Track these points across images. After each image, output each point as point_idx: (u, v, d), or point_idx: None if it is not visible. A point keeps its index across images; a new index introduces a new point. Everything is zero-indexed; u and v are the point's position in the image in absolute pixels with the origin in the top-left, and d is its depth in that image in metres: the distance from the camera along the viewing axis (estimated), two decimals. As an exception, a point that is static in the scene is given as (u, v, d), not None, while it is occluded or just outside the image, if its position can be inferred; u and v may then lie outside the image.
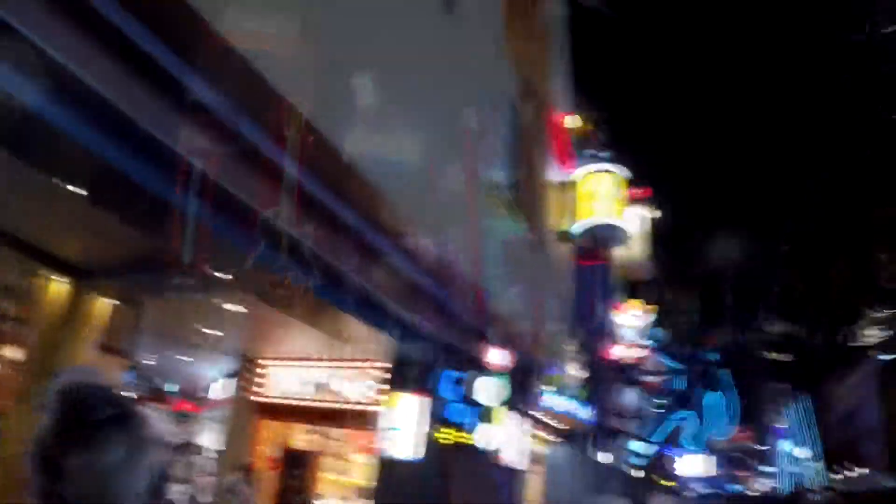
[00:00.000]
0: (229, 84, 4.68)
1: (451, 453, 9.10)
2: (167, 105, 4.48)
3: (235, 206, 5.34)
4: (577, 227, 11.72)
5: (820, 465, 59.00)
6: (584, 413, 17.14)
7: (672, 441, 40.50)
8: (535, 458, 18.97)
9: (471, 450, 9.31)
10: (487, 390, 9.40)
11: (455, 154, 7.80)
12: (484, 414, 9.42)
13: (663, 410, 31.92)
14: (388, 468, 9.24)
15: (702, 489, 48.70)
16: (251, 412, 13.57)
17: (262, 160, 5.25)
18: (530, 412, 12.81)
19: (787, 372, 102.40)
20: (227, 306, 10.15)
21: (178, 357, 16.04)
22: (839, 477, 46.79)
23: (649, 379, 35.58)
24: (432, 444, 9.00)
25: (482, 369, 9.51)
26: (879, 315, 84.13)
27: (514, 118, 12.51)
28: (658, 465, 41.40)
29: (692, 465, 58.05)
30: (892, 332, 73.07)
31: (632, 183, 22.20)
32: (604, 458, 21.25)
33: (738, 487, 69.31)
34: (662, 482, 44.41)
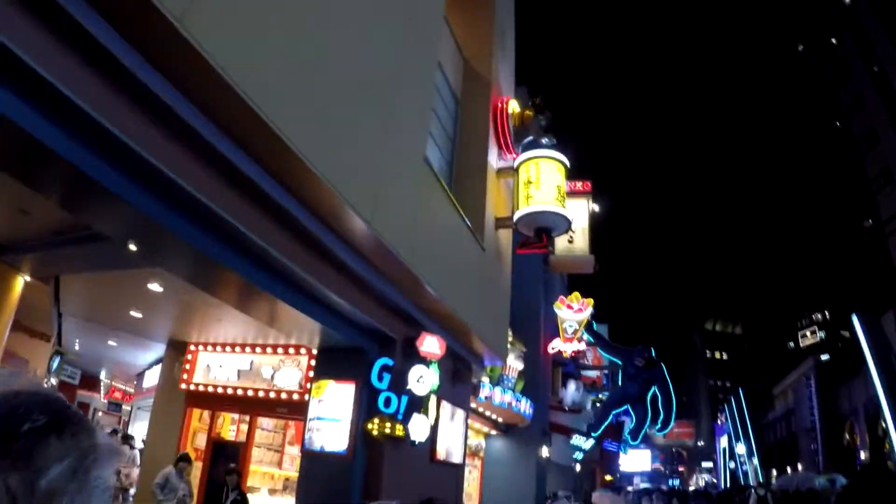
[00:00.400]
0: (148, 46, 4.27)
1: (382, 445, 8.72)
2: (89, 72, 4.11)
3: (159, 181, 4.95)
4: (517, 215, 11.39)
5: (756, 461, 60.11)
6: (524, 406, 16.95)
7: (613, 436, 40.81)
8: (474, 452, 18.78)
9: (403, 442, 8.92)
10: (421, 379, 9.03)
11: (391, 134, 7.44)
12: (417, 404, 9.04)
13: (603, 405, 31.97)
14: (315, 460, 8.84)
15: (643, 483, 49.27)
16: (180, 400, 13.10)
17: (186, 131, 4.85)
18: (467, 403, 12.50)
19: (727, 370, 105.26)
20: (152, 286, 9.72)
21: (104, 341, 15.51)
22: (774, 474, 47.60)
23: (589, 374, 35.80)
24: (361, 436, 8.62)
25: (416, 358, 9.15)
26: (816, 317, 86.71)
27: (454, 100, 12.21)
28: (601, 460, 41.75)
29: (634, 460, 59.16)
30: (825, 334, 75.01)
31: (572, 176, 22.25)
32: (545, 452, 21.10)
33: (676, 482, 70.65)
34: (606, 477, 44.85)
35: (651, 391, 30.78)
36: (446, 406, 10.82)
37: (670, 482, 68.24)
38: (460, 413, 11.68)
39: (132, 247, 6.29)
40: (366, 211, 6.61)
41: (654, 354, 31.67)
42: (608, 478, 45.56)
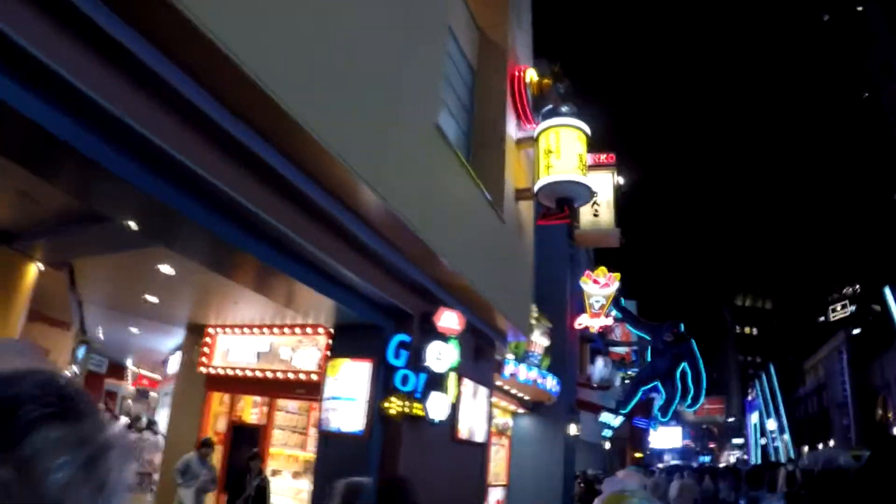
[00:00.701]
0: (153, 28, 4.11)
1: (399, 424, 8.46)
2: (93, 57, 3.97)
3: (169, 164, 4.78)
4: (537, 185, 11.04)
5: (787, 437, 59.52)
6: (550, 383, 16.65)
7: (643, 413, 40.45)
8: (501, 431, 18.53)
9: (421, 421, 8.66)
10: (439, 356, 8.74)
11: (400, 102, 7.13)
12: (435, 381, 8.76)
13: (632, 382, 31.56)
14: (331, 441, 8.61)
15: (673, 460, 48.93)
16: (200, 384, 12.96)
17: (194, 113, 4.68)
18: (490, 381, 12.22)
19: (757, 345, 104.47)
20: (164, 269, 9.53)
21: (126, 328, 15.44)
22: (805, 450, 47.06)
23: (617, 350, 35.39)
24: (378, 415, 8.36)
25: (434, 334, 8.86)
26: (847, 291, 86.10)
27: (469, 71, 11.86)
28: (631, 437, 41.42)
29: (664, 437, 58.85)
30: (856, 308, 74.40)
31: (596, 148, 21.90)
32: (573, 430, 20.80)
33: (707, 459, 70.30)
34: (636, 454, 44.57)
35: (681, 367, 30.28)
36: (468, 384, 10.54)
37: (701, 459, 67.91)
38: (483, 391, 11.40)
39: (132, 225, 6.05)
40: (374, 180, 6.32)
41: (683, 330, 31.14)
42: (638, 455, 45.33)
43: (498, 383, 15.00)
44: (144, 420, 17.68)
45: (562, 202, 11.24)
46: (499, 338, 12.01)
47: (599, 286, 21.78)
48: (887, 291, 30.45)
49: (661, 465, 36.14)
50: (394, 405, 8.30)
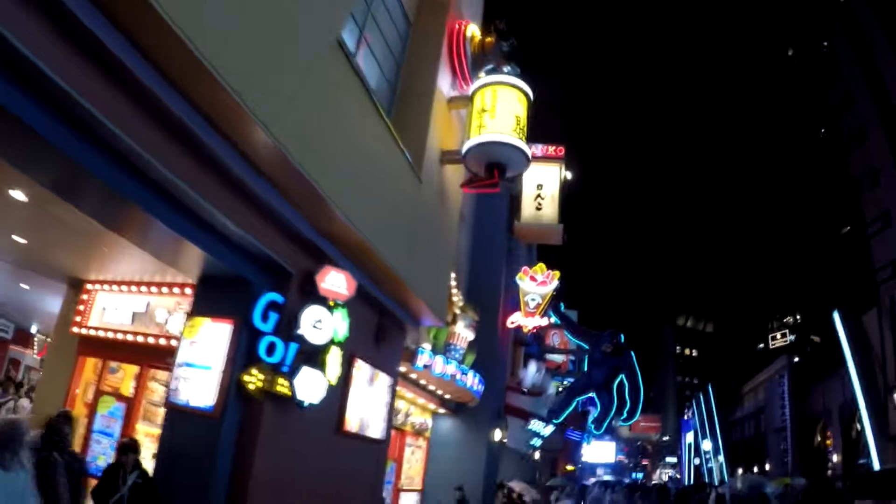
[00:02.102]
0: None
1: (261, 404, 6.96)
2: None
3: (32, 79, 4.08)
4: (466, 146, 9.66)
5: (721, 459, 59.19)
6: (472, 381, 15.25)
7: (576, 425, 39.44)
8: (418, 431, 17.12)
9: (290, 403, 7.16)
10: (318, 324, 7.27)
11: (300, 11, 5.73)
12: (310, 355, 7.25)
13: (567, 391, 30.45)
14: (179, 417, 7.05)
15: (606, 475, 48.12)
16: (72, 347, 11.31)
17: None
18: (395, 368, 10.75)
19: (696, 367, 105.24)
20: (17, 195, 7.94)
21: (16, 283, 13.89)
22: (740, 473, 46.52)
23: (554, 358, 34.29)
24: (236, 389, 6.82)
25: (315, 297, 7.38)
26: (787, 320, 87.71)
27: (405, 21, 10.45)
28: (563, 450, 40.34)
29: (598, 451, 58.17)
30: (796, 337, 75.49)
31: (545, 140, 20.83)
32: (498, 435, 19.45)
33: (639, 476, 69.88)
34: (567, 467, 43.54)
35: (618, 379, 29.24)
36: (363, 367, 9.08)
37: (633, 475, 67.48)
38: (384, 379, 9.94)
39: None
40: (251, 99, 4.95)
41: (623, 341, 30.11)
42: (570, 468, 44.31)
43: (412, 375, 13.59)
44: (25, 389, 16.05)
45: (492, 167, 9.89)
46: (409, 320, 10.56)
47: (537, 283, 20.44)
48: (836, 316, 29.67)
49: (592, 479, 35.15)
50: (254, 379, 6.78)
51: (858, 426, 30.01)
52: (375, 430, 9.62)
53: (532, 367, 23.49)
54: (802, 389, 40.70)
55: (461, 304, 15.31)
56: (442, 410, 17.88)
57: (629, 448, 79.36)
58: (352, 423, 8.79)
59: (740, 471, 48.80)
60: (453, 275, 15.51)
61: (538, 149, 21.22)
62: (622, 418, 30.98)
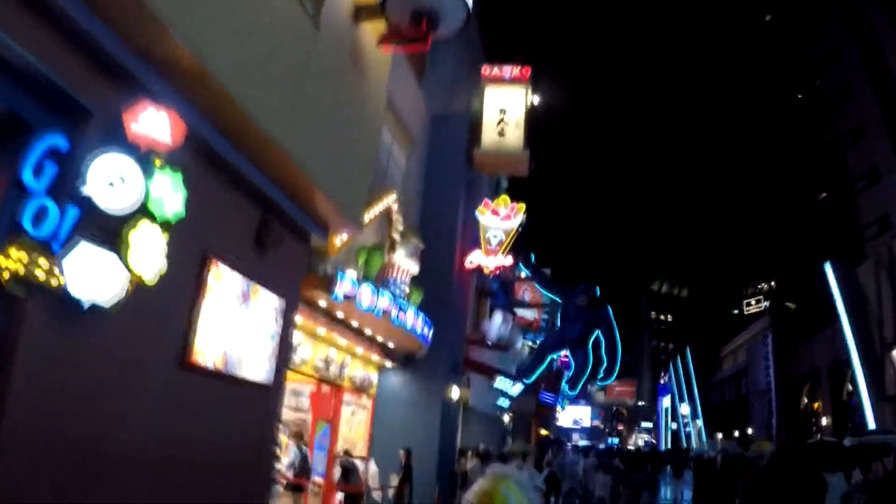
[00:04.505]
0: None
1: (23, 301, 4.14)
2: None
3: None
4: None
5: (700, 423, 57.46)
6: (415, 322, 12.46)
7: (550, 387, 37.17)
8: (360, 388, 14.46)
9: (75, 307, 4.36)
10: (120, 183, 4.48)
11: None
12: (100, 228, 4.45)
13: (539, 348, 27.99)
14: None
15: (581, 440, 46.23)
16: None
17: None
18: (292, 290, 7.86)
19: (671, 332, 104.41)
20: None
21: None
22: (720, 436, 44.62)
23: (525, 315, 31.82)
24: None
25: (119, 143, 4.58)
26: (762, 287, 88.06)
27: None
28: (537, 414, 37.98)
29: (572, 415, 56.34)
30: (770, 304, 75.18)
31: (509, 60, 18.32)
32: (455, 393, 16.79)
33: (615, 441, 68.24)
34: (542, 431, 41.21)
35: (594, 335, 26.79)
36: (228, 276, 6.26)
37: (609, 441, 65.76)
38: (271, 300, 7.09)
39: None
40: None
41: (598, 294, 27.62)
42: (544, 432, 41.99)
43: (334, 311, 10.85)
44: None
45: (419, 16, 7.14)
46: (313, 226, 7.76)
47: (500, 218, 17.66)
48: (829, 268, 27.31)
49: (569, 445, 32.97)
50: (10, 260, 3.96)
51: (850, 386, 28.02)
52: (256, 371, 6.82)
53: (497, 317, 20.80)
54: (787, 350, 38.54)
55: (401, 227, 12.57)
56: (389, 363, 15.19)
57: (605, 413, 77.71)
58: (209, 356, 6.00)
59: (720, 435, 46.92)
60: (394, 196, 12.78)
61: (502, 70, 18.89)
62: (599, 378, 28.61)
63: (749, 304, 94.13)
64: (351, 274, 10.08)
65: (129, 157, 4.56)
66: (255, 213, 6.73)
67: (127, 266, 4.53)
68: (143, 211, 4.69)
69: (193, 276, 5.81)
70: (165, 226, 4.92)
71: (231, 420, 6.50)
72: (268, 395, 7.12)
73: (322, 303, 10.28)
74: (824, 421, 31.73)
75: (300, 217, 7.37)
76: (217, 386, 6.22)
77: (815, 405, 34.22)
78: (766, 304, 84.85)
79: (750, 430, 41.88)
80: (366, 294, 10.28)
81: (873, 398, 24.20)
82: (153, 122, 4.71)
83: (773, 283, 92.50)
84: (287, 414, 13.78)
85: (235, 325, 6.39)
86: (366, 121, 8.53)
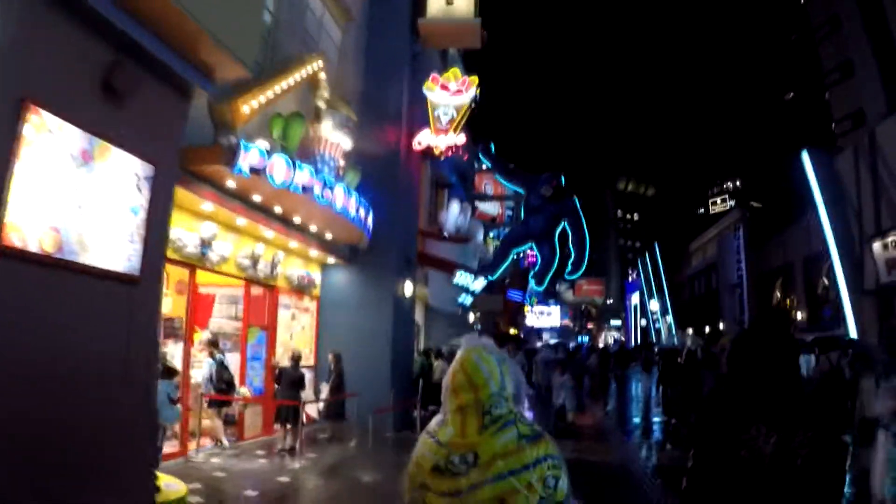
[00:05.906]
0: None
1: None
2: None
3: None
4: None
5: (670, 318, 56.98)
6: (346, 201, 10.79)
7: (517, 284, 36.05)
8: (301, 288, 13.02)
9: None
10: None
11: None
12: None
13: (503, 242, 26.62)
14: None
15: (552, 339, 45.70)
16: None
17: None
18: (170, 155, 6.09)
19: (637, 231, 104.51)
20: None
21: None
22: (690, 331, 44.06)
23: (487, 209, 30.40)
24: None
25: None
26: (727, 186, 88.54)
27: None
28: (505, 312, 37.01)
29: (542, 316, 55.75)
30: (735, 203, 75.36)
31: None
32: (408, 289, 15.34)
33: (585, 339, 68.09)
34: (510, 330, 40.32)
35: (560, 226, 25.41)
36: (58, 127, 4.58)
37: (579, 338, 65.55)
38: (130, 165, 5.36)
39: None
40: None
41: (564, 183, 26.14)
42: (513, 331, 41.14)
43: (245, 192, 9.21)
44: None
45: None
46: (190, 70, 5.96)
47: (450, 93, 15.77)
48: (805, 156, 25.85)
49: (539, 344, 32.05)
50: None
51: (826, 280, 27.06)
52: (111, 257, 5.21)
53: (454, 206, 19.24)
54: (759, 243, 37.53)
55: (327, 96, 10.84)
56: (332, 259, 13.68)
57: (574, 312, 77.57)
58: (31, 235, 4.38)
59: (690, 330, 46.52)
60: (320, 63, 10.99)
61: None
62: (567, 272, 27.33)
63: (714, 203, 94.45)
64: (262, 144, 8.39)
65: None
66: (105, 51, 5.02)
67: None
68: None
69: (4, 126, 4.17)
70: None
71: (77, 324, 4.91)
72: (135, 291, 5.49)
73: (231, 183, 8.63)
74: (799, 315, 30.98)
75: (168, 57, 5.60)
76: (48, 276, 4.61)
77: (788, 301, 33.41)
78: (732, 202, 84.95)
79: (721, 325, 41.26)
80: (279, 166, 8.57)
81: (852, 292, 23.28)
82: None
83: (738, 183, 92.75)
84: (224, 324, 12.33)
85: (72, 195, 4.75)
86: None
